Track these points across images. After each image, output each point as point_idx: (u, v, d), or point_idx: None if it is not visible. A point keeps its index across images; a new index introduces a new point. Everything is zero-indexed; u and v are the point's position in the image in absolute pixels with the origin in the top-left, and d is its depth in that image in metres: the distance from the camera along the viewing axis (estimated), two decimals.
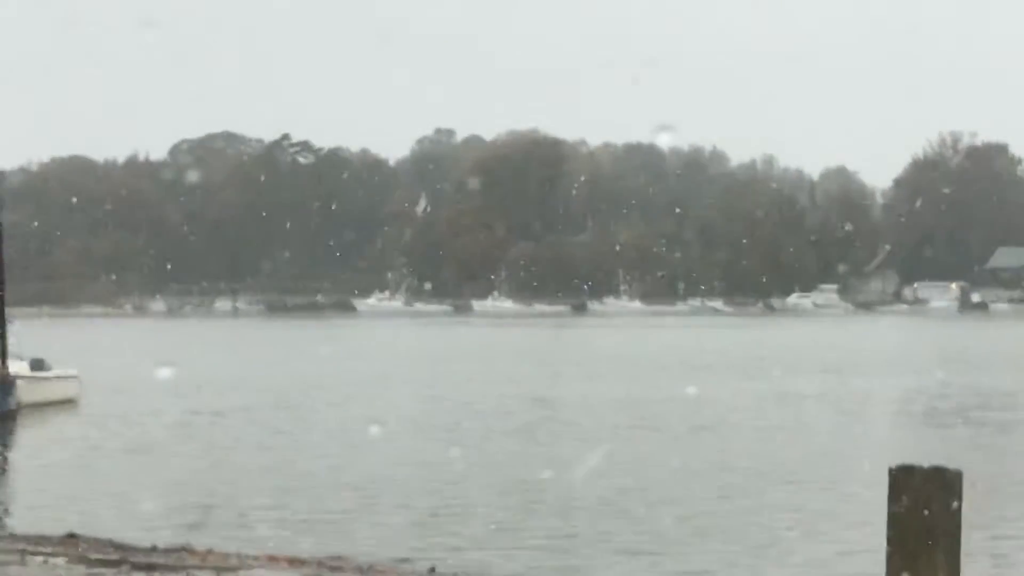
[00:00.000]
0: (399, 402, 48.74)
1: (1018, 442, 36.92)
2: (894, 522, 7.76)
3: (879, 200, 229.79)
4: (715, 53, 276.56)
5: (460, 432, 38.92)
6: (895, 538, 7.71)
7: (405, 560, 18.73)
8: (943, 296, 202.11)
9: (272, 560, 17.68)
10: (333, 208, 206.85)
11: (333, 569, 17.02)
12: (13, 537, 19.42)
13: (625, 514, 23.87)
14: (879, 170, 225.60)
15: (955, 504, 7.76)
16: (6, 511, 25.67)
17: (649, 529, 22.34)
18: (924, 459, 7.97)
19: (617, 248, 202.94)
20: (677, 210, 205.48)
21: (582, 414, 43.83)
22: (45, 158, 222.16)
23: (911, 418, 43.87)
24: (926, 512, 7.68)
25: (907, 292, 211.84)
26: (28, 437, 40.26)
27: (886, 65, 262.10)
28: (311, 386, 55.45)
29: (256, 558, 17.84)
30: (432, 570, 17.27)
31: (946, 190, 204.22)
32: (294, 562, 17.55)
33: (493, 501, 25.29)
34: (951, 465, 7.95)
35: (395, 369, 66.74)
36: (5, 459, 35.48)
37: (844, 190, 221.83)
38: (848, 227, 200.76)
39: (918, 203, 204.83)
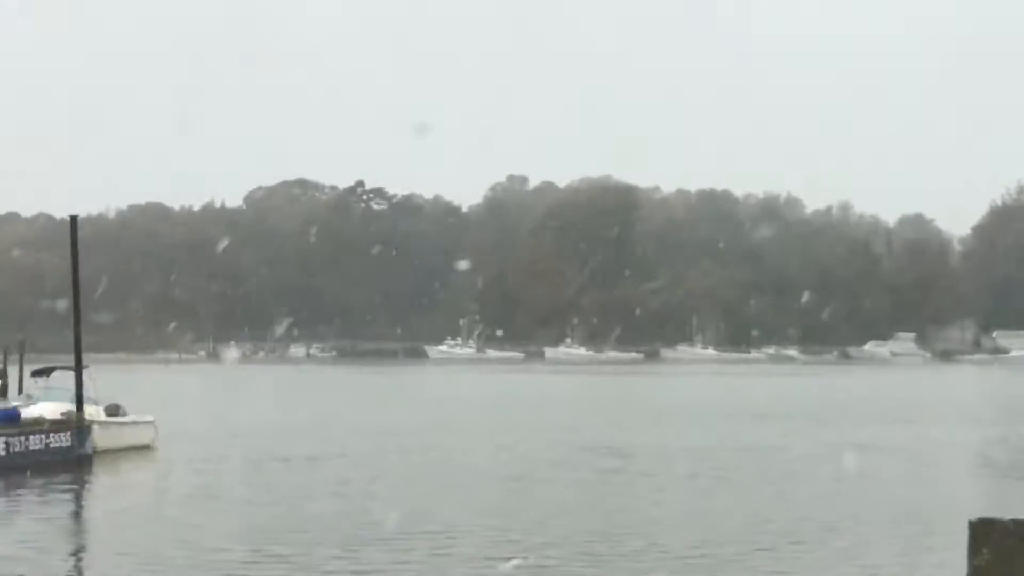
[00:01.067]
0: (470, 450, 48.66)
1: None
2: (976, 575, 7.66)
3: (957, 247, 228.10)
4: (790, 98, 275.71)
5: (531, 481, 38.76)
6: None
7: None
8: None
9: None
10: (406, 255, 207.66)
11: None
12: None
13: (693, 567, 23.70)
14: (956, 217, 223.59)
15: None
16: (79, 559, 25.81)
17: None
18: (1004, 512, 7.86)
19: (690, 295, 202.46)
20: (751, 257, 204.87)
21: (653, 463, 43.62)
22: (123, 205, 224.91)
23: (991, 470, 43.31)
24: (1007, 565, 7.57)
25: (986, 341, 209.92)
26: (103, 483, 40.50)
27: (962, 111, 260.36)
28: (382, 433, 55.51)
29: None
30: None
31: None
32: None
33: (567, 551, 25.15)
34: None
35: (465, 417, 66.64)
36: (80, 505, 35.70)
37: (921, 237, 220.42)
38: (925, 275, 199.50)
39: (996, 250, 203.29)
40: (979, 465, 45.31)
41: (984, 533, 7.72)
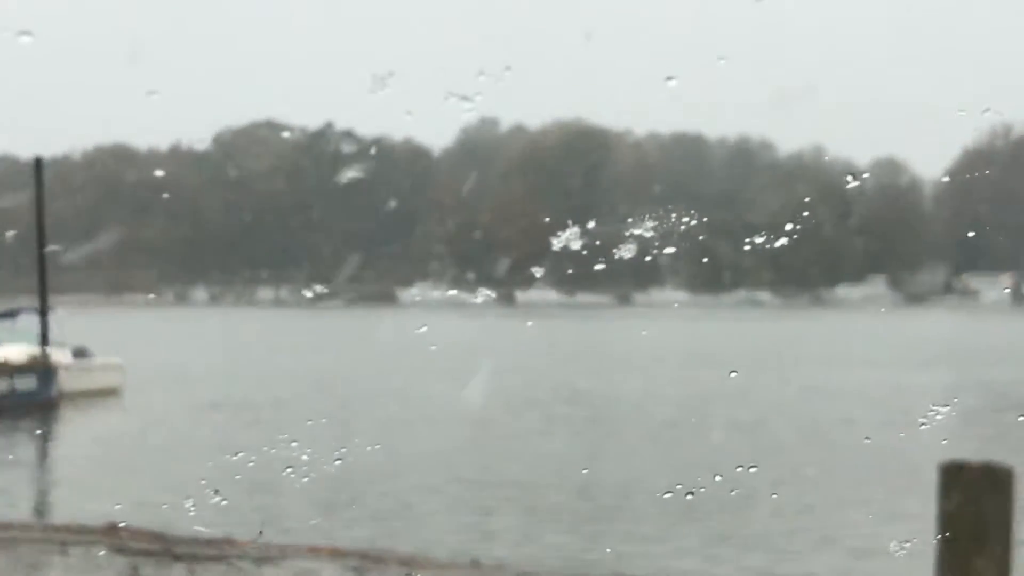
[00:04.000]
0: (436, 395, 48.58)
1: None
2: (944, 519, 7.60)
3: (929, 191, 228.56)
4: (761, 40, 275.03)
5: (500, 426, 38.66)
6: (946, 535, 7.55)
7: (448, 553, 18.60)
8: (994, 288, 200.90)
9: (313, 551, 17.58)
10: (376, 197, 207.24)
11: (375, 560, 16.90)
12: (54, 527, 19.40)
13: (663, 511, 23.68)
14: (929, 161, 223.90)
15: (1006, 500, 7.60)
16: (47, 501, 25.70)
17: (688, 526, 22.14)
18: (972, 456, 7.80)
19: (662, 238, 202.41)
20: (724, 200, 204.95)
21: (620, 409, 43.66)
22: (88, 146, 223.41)
23: (957, 414, 43.37)
24: (977, 509, 7.52)
25: (957, 284, 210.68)
26: (70, 426, 40.34)
27: (935, 54, 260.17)
28: (352, 377, 55.42)
29: (298, 548, 17.76)
30: (475, 562, 17.12)
31: (997, 180, 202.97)
32: (336, 553, 17.44)
33: (535, 495, 25.12)
34: (1002, 462, 7.79)
35: (434, 361, 66.23)
36: (46, 449, 35.56)
37: (893, 181, 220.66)
38: (896, 218, 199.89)
39: (969, 194, 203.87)
40: (947, 408, 45.27)
41: (954, 477, 7.65)
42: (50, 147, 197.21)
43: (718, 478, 25.11)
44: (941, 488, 7.65)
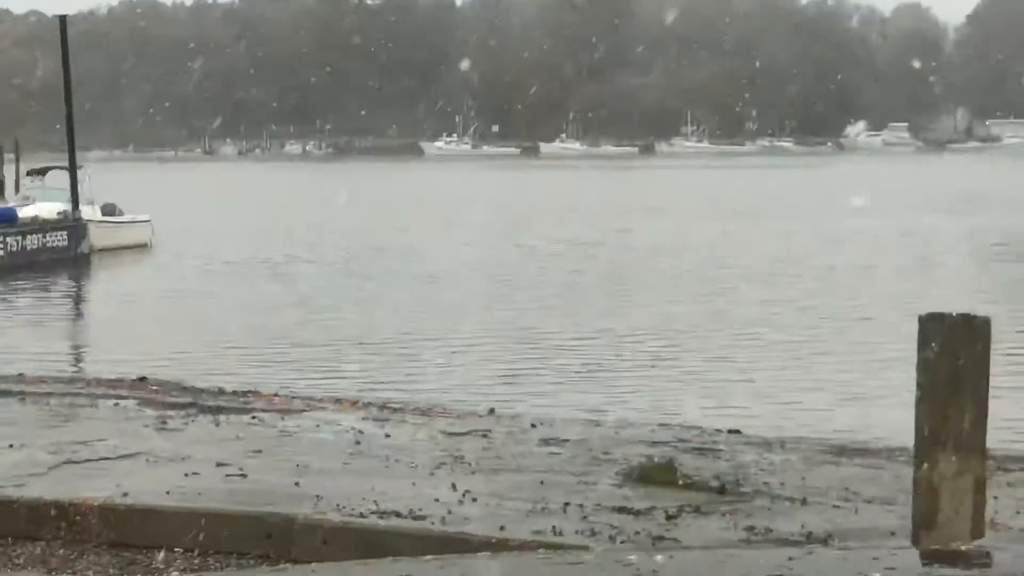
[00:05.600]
0: (461, 248, 49.02)
1: None
2: (924, 368, 8.00)
3: (952, 35, 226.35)
4: None
5: (527, 280, 38.97)
6: (925, 383, 7.96)
7: (465, 402, 19.14)
8: (1017, 133, 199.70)
9: (337, 403, 18.13)
10: (401, 51, 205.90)
11: (395, 411, 17.45)
12: (85, 381, 19.99)
13: (674, 361, 24.16)
14: (952, 4, 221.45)
15: (983, 351, 7.99)
16: (78, 355, 26.30)
17: (691, 373, 22.59)
18: (970, 305, 8.17)
19: (685, 89, 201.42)
20: (746, 50, 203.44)
21: (637, 259, 44.08)
22: (114, 2, 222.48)
23: (973, 261, 43.57)
24: (955, 358, 7.92)
25: (979, 129, 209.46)
26: (100, 282, 40.97)
27: None
28: (382, 232, 55.80)
29: (321, 400, 18.28)
30: (491, 411, 17.66)
31: (1021, 23, 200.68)
32: (357, 405, 18.00)
33: (561, 350, 25.54)
34: (985, 312, 8.19)
35: (462, 214, 66.60)
36: (77, 304, 36.21)
37: (916, 26, 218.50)
38: (919, 64, 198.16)
39: (991, 37, 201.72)
40: (962, 255, 45.40)
41: (933, 328, 8.08)
42: (77, 2, 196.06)
43: None
44: (920, 338, 8.10)
